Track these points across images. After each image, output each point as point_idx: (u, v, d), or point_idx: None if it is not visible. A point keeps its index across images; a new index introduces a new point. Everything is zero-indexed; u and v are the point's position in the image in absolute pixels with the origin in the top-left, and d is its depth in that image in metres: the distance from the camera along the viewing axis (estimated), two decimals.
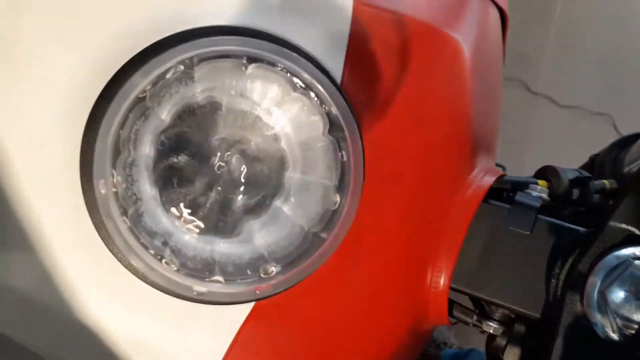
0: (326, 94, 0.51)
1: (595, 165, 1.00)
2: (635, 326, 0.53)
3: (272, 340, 0.59)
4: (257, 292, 0.51)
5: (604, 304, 0.54)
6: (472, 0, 0.72)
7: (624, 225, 0.55)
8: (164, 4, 0.54)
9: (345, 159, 0.51)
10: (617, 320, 0.53)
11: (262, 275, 0.51)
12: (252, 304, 0.56)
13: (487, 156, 0.72)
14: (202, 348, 0.56)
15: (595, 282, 0.55)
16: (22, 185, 0.54)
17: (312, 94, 0.51)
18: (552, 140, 2.21)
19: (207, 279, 0.49)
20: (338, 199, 0.52)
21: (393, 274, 0.62)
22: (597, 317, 0.54)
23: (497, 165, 1.17)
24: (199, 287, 0.49)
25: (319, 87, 0.51)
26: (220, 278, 0.50)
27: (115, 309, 0.56)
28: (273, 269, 0.51)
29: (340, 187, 0.52)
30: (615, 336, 0.54)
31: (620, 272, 0.54)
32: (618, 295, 0.54)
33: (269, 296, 0.51)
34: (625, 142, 0.93)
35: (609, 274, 0.54)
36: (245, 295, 0.51)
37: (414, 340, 0.68)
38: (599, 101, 2.24)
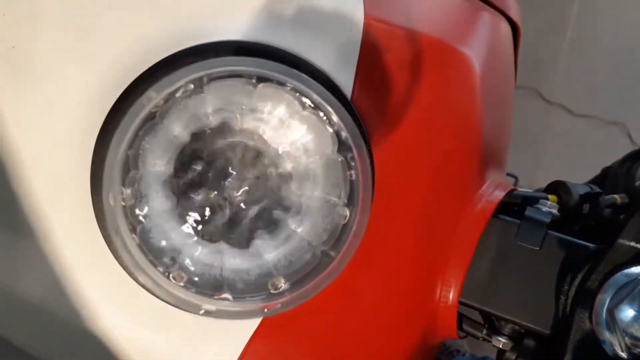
0: (334, 114, 0.51)
1: (607, 177, 0.99)
2: None
3: (280, 353, 0.59)
4: (266, 310, 0.51)
5: (612, 322, 0.54)
6: (483, 16, 0.72)
7: (633, 243, 0.55)
8: (177, 18, 0.54)
9: (354, 177, 0.52)
10: (626, 338, 0.53)
11: (270, 291, 0.51)
12: (259, 319, 0.56)
13: (497, 170, 0.72)
14: None
15: (604, 300, 0.54)
16: (35, 196, 0.55)
17: (321, 114, 0.51)
18: (566, 149, 2.20)
19: (215, 297, 0.50)
20: (347, 215, 0.52)
21: (402, 288, 0.62)
22: (606, 335, 0.54)
23: (510, 175, 1.17)
24: (208, 306, 0.50)
25: (328, 107, 0.51)
26: (228, 295, 0.50)
27: (125, 320, 0.56)
28: (282, 285, 0.51)
29: (349, 205, 0.52)
30: (623, 355, 0.53)
31: (630, 291, 0.53)
32: (627, 313, 0.53)
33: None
34: (638, 155, 0.92)
35: (618, 292, 0.54)
36: (254, 314, 0.51)
37: (422, 353, 0.68)
38: (614, 110, 2.23)
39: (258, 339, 0.56)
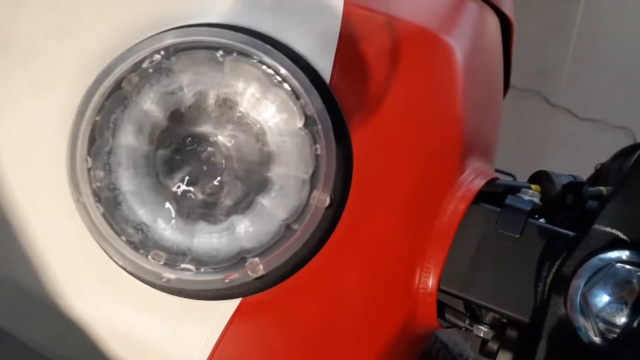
0: (300, 87, 0.51)
1: (600, 174, 0.99)
2: (617, 330, 0.53)
3: (260, 336, 0.59)
4: (226, 280, 0.51)
5: (586, 307, 0.53)
6: (468, 7, 0.72)
7: (608, 229, 0.55)
8: (160, 1, 0.55)
9: (319, 151, 0.52)
10: (599, 323, 0.53)
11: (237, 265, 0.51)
12: (238, 300, 0.56)
13: (483, 161, 0.72)
14: (189, 343, 0.57)
15: (578, 285, 0.54)
16: (16, 178, 0.56)
17: (287, 87, 0.51)
18: (571, 153, 2.19)
19: (177, 267, 0.50)
20: (313, 190, 0.52)
21: (381, 274, 0.62)
22: (580, 321, 0.54)
23: (507, 173, 1.17)
24: (168, 274, 0.50)
25: (293, 79, 0.51)
26: (191, 266, 0.50)
27: (103, 303, 0.56)
28: (249, 259, 0.51)
29: (314, 179, 0.52)
30: (597, 340, 0.53)
31: (603, 275, 0.53)
32: (601, 298, 0.53)
33: (241, 287, 0.52)
34: (630, 151, 0.92)
35: (592, 277, 0.54)
36: (214, 284, 0.51)
37: (405, 343, 0.68)
38: (620, 114, 2.22)
39: (237, 321, 0.56)
